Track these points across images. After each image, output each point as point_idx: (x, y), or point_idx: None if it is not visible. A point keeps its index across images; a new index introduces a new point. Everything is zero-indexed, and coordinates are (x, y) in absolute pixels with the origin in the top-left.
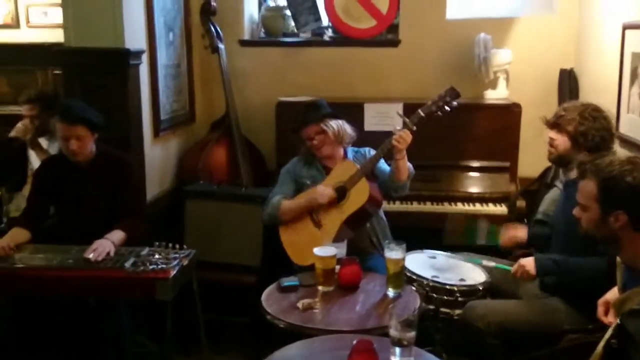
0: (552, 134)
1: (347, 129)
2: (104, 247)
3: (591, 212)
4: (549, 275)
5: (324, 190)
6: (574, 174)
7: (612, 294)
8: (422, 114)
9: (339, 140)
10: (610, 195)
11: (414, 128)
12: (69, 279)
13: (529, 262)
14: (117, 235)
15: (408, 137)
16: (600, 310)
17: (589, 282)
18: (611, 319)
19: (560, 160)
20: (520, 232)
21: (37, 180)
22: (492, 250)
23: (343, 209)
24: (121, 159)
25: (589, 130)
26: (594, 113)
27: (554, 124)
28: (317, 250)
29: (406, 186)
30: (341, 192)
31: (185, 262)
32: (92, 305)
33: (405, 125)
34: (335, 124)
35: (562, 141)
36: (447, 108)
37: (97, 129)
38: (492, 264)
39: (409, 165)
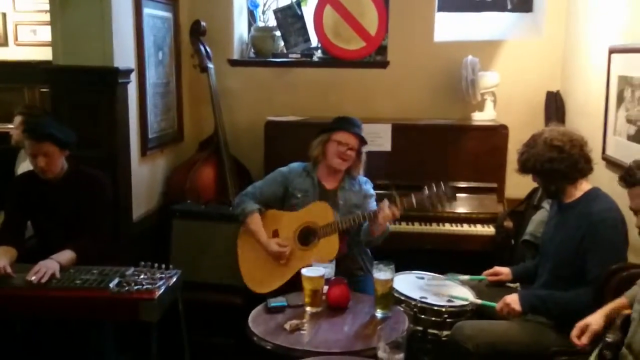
0: (530, 177)
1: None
2: (48, 268)
3: None
4: (535, 312)
5: (277, 249)
6: (570, 198)
7: (593, 318)
8: (413, 202)
9: (356, 168)
10: None
11: (402, 212)
12: (50, 299)
13: (513, 300)
14: (65, 255)
15: (395, 217)
16: (575, 332)
17: (576, 315)
18: (585, 342)
19: (549, 195)
20: (502, 275)
21: (11, 196)
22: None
23: (307, 255)
24: (92, 177)
25: (539, 159)
26: (532, 141)
27: (521, 170)
28: (305, 271)
29: (379, 241)
30: (308, 235)
31: (171, 283)
32: (76, 326)
33: (395, 204)
34: (364, 155)
35: (538, 180)
36: (439, 206)
37: (66, 146)
38: (478, 301)
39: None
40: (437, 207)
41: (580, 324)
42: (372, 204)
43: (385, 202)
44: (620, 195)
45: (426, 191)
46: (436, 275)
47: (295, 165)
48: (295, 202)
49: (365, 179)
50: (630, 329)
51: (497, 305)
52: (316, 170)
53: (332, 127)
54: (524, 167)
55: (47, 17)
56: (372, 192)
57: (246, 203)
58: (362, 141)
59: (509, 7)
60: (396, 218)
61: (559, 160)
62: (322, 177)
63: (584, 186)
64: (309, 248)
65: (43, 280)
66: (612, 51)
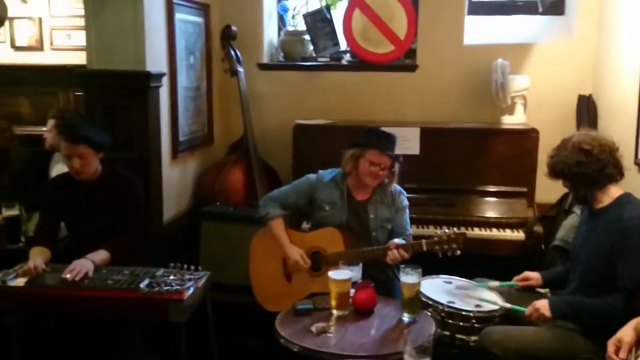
0: (561, 181)
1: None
2: (82, 266)
3: None
4: (565, 318)
5: (298, 259)
6: (600, 203)
7: (624, 332)
8: (424, 247)
9: (390, 182)
10: None
11: (411, 255)
12: (83, 298)
13: (543, 305)
14: (100, 255)
15: (404, 259)
16: (611, 349)
17: (607, 322)
18: (622, 356)
19: (579, 200)
20: (532, 280)
21: (46, 198)
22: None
23: (314, 282)
24: (126, 179)
25: (567, 163)
26: (562, 144)
27: (551, 174)
28: (332, 274)
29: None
30: (317, 262)
31: (200, 284)
32: (106, 326)
33: (404, 247)
34: (398, 167)
35: (567, 184)
36: (449, 254)
37: (101, 148)
38: (507, 305)
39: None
40: (447, 254)
41: (613, 341)
42: (405, 218)
43: (395, 244)
44: None
45: (437, 237)
46: (464, 279)
47: (324, 173)
48: (323, 215)
49: (399, 189)
50: None
51: (527, 310)
52: (346, 180)
53: (366, 144)
54: (553, 170)
55: (81, 22)
56: (405, 203)
57: (271, 207)
58: (397, 160)
59: (540, 10)
60: (405, 259)
61: (586, 164)
62: (353, 187)
63: (614, 192)
64: (319, 274)
65: (77, 278)
66: None
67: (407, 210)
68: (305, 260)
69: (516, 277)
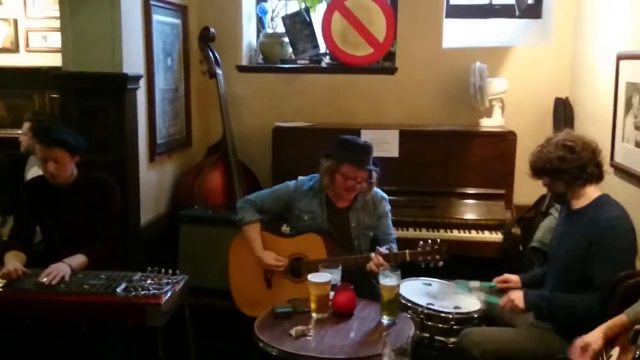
0: (541, 180)
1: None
2: (59, 270)
3: None
4: (538, 311)
5: (273, 262)
6: (578, 204)
7: (593, 338)
8: (407, 257)
9: (368, 191)
10: None
11: (394, 265)
12: (59, 303)
13: (518, 296)
14: (77, 259)
15: (386, 269)
16: (577, 352)
17: (581, 320)
18: None
19: (558, 199)
20: (511, 282)
21: (21, 202)
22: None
23: (294, 288)
24: (102, 182)
25: (549, 158)
26: (545, 142)
27: (532, 171)
28: (311, 277)
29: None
30: (298, 268)
31: (178, 288)
32: (84, 330)
33: (387, 257)
34: (376, 176)
35: (546, 182)
36: (431, 265)
37: (77, 151)
38: (483, 296)
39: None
40: (430, 264)
41: (579, 344)
42: (388, 224)
43: (379, 249)
44: (629, 202)
45: (420, 248)
46: (444, 281)
47: (303, 180)
48: (303, 224)
49: (381, 194)
50: None
51: (501, 301)
52: (326, 190)
53: (340, 158)
54: (535, 167)
55: (57, 23)
56: (388, 209)
57: (247, 211)
58: (372, 172)
59: (518, 13)
60: (386, 269)
61: (568, 160)
62: (332, 195)
63: (593, 193)
64: (299, 280)
65: (54, 282)
66: (620, 58)
67: (390, 215)
68: (280, 260)
69: (496, 279)
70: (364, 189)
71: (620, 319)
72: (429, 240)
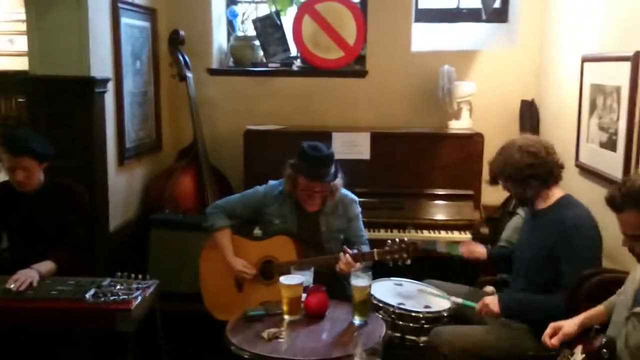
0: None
1: (341, 183)
2: (27, 276)
3: None
4: (512, 314)
5: (242, 268)
6: (542, 204)
7: (568, 323)
8: (375, 256)
9: (332, 196)
10: None
11: (363, 264)
12: (26, 310)
13: (492, 302)
14: (45, 265)
15: (355, 269)
16: (548, 331)
17: (550, 319)
18: (555, 343)
19: (523, 202)
20: (478, 248)
21: None
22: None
23: (265, 290)
24: (69, 188)
25: (518, 166)
26: (503, 150)
27: (499, 178)
28: (283, 279)
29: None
30: (269, 270)
31: (148, 293)
32: (51, 337)
33: (355, 257)
34: (339, 184)
35: (510, 187)
36: (399, 264)
37: (45, 158)
38: (459, 300)
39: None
40: (398, 263)
41: (554, 325)
42: (359, 226)
43: (346, 249)
44: (594, 202)
45: (388, 247)
46: (414, 281)
47: (274, 185)
48: (274, 229)
49: (351, 198)
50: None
51: (477, 306)
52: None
53: (297, 170)
54: (502, 174)
55: (24, 26)
56: (358, 211)
57: (217, 217)
58: (331, 181)
59: (484, 17)
60: (358, 270)
61: (537, 165)
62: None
63: (556, 193)
64: (270, 283)
65: (22, 288)
66: (584, 60)
67: (361, 217)
68: (250, 269)
69: (462, 249)
70: (322, 197)
71: (598, 309)
72: (397, 240)
